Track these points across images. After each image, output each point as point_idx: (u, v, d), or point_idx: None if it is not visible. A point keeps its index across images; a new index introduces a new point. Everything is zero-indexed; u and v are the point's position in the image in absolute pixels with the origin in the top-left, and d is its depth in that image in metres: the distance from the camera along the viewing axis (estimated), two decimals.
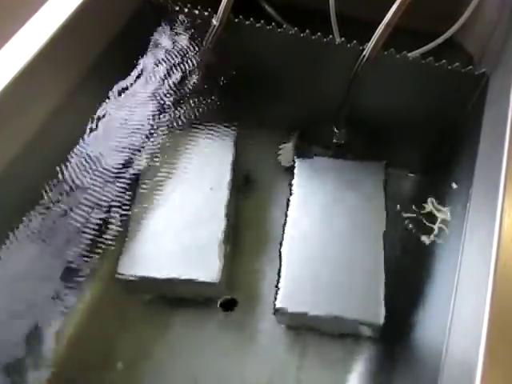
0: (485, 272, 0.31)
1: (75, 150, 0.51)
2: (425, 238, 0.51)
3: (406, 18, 0.45)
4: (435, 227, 0.52)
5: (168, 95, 0.56)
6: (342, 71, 0.50)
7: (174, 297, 0.54)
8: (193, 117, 0.57)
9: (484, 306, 0.30)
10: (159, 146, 0.55)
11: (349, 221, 0.52)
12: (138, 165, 0.54)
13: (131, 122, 0.54)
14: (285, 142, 0.63)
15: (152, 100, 0.56)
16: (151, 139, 0.55)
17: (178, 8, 0.54)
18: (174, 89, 0.57)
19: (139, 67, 0.57)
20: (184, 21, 0.56)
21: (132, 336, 0.52)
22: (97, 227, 0.50)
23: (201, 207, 0.53)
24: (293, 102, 0.59)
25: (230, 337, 0.52)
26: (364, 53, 0.48)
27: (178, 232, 0.52)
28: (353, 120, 0.55)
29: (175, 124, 0.56)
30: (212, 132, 0.58)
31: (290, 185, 0.56)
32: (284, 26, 0.52)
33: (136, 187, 0.54)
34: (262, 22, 0.52)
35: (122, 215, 0.51)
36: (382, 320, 0.46)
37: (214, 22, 0.52)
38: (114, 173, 0.52)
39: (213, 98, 0.58)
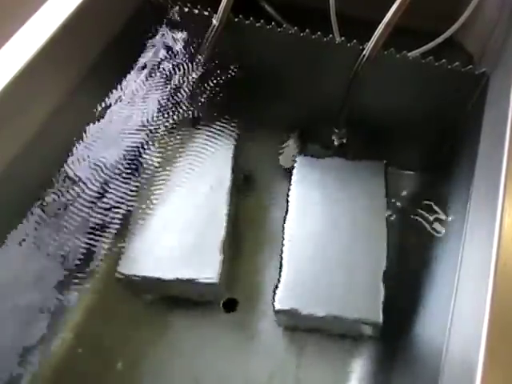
0: (485, 271, 0.31)
1: (75, 150, 0.51)
2: (425, 238, 0.51)
3: (405, 17, 0.45)
4: (435, 227, 0.52)
5: (168, 95, 0.56)
6: (342, 71, 0.50)
7: (174, 297, 0.54)
8: (193, 116, 0.57)
9: (484, 306, 0.30)
10: (159, 145, 0.55)
11: (349, 220, 0.52)
12: (139, 165, 0.54)
13: (131, 122, 0.54)
14: (285, 142, 0.63)
15: (152, 100, 0.56)
16: (151, 139, 0.55)
17: (177, 8, 0.54)
18: (174, 88, 0.57)
19: (139, 67, 0.57)
20: (184, 20, 0.56)
21: (132, 336, 0.52)
22: (97, 227, 0.50)
23: (201, 207, 0.53)
24: (293, 101, 0.59)
25: (231, 337, 0.52)
26: (364, 52, 0.48)
27: (179, 232, 0.52)
28: (353, 120, 0.55)
29: (175, 124, 0.56)
30: (212, 132, 0.58)
31: (290, 185, 0.56)
32: (284, 26, 0.52)
33: (136, 187, 0.54)
34: (262, 21, 0.52)
35: (122, 215, 0.51)
36: (381, 320, 0.46)
37: (214, 21, 0.52)
38: (113, 173, 0.52)
39: (213, 97, 0.58)
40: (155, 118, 0.55)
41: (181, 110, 0.57)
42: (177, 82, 0.57)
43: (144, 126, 0.55)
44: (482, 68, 0.47)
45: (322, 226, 0.52)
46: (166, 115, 0.56)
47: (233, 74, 0.58)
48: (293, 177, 0.56)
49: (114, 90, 0.55)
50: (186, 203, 0.53)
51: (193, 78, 0.57)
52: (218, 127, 0.58)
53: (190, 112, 0.57)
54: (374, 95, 0.52)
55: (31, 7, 0.47)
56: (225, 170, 0.55)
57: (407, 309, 0.47)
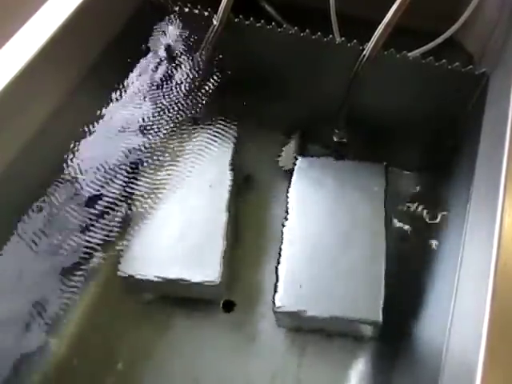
0: (485, 271, 0.31)
1: (75, 150, 0.51)
2: (425, 238, 0.51)
3: (406, 17, 0.45)
4: (436, 227, 0.52)
5: (168, 95, 0.56)
6: (342, 71, 0.50)
7: (174, 297, 0.54)
8: (193, 117, 0.57)
9: (484, 306, 0.30)
10: (159, 145, 0.55)
11: (349, 221, 0.52)
12: (138, 165, 0.54)
13: (131, 122, 0.54)
14: (285, 143, 0.63)
15: (152, 100, 0.56)
16: (151, 139, 0.55)
17: (177, 8, 0.54)
18: (174, 88, 0.57)
19: (139, 67, 0.57)
20: (184, 21, 0.56)
21: (132, 336, 0.52)
22: (97, 227, 0.50)
23: (201, 207, 0.53)
24: (293, 101, 0.59)
25: (231, 337, 0.52)
26: (364, 52, 0.48)
27: (179, 232, 0.52)
28: (353, 120, 0.55)
29: (175, 124, 0.56)
30: (212, 132, 0.58)
31: (290, 185, 0.56)
32: (284, 26, 0.52)
33: (136, 187, 0.54)
34: (262, 21, 0.52)
35: (122, 215, 0.51)
36: (381, 320, 0.46)
37: (214, 21, 0.52)
38: (113, 172, 0.52)
39: (213, 97, 0.58)
40: (155, 118, 0.55)
41: (181, 110, 0.57)
42: (177, 82, 0.57)
43: (144, 126, 0.55)
44: (482, 68, 0.47)
45: (322, 226, 0.52)
46: (166, 115, 0.56)
47: (233, 74, 0.58)
48: (293, 177, 0.56)
49: (114, 90, 0.55)
50: (186, 203, 0.53)
51: (193, 78, 0.57)
52: (218, 127, 0.58)
53: (189, 112, 0.57)
54: (374, 95, 0.52)
55: (31, 7, 0.47)
56: (225, 170, 0.55)
57: (407, 309, 0.47)
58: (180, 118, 0.56)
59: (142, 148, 0.54)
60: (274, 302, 0.48)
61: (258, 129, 0.62)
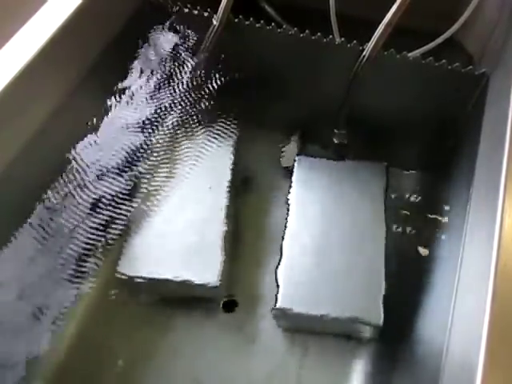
0: (485, 272, 0.31)
1: (75, 150, 0.51)
2: (425, 238, 0.51)
3: (405, 17, 0.45)
4: (435, 227, 0.52)
5: (168, 95, 0.56)
6: (342, 71, 0.50)
7: (174, 297, 0.53)
8: (192, 117, 0.57)
9: (484, 306, 0.30)
10: (159, 145, 0.55)
11: (349, 221, 0.52)
12: (138, 165, 0.54)
13: (131, 122, 0.54)
14: (285, 143, 0.63)
15: (152, 100, 0.56)
16: (151, 139, 0.55)
17: (177, 8, 0.54)
18: (174, 89, 0.57)
19: (139, 67, 0.57)
20: (184, 21, 0.56)
21: (132, 336, 0.52)
22: (96, 227, 0.50)
23: (201, 208, 0.53)
24: (293, 102, 0.59)
25: (231, 337, 0.52)
26: (364, 53, 0.48)
27: (178, 232, 0.52)
28: (353, 120, 0.55)
29: (175, 124, 0.56)
30: (212, 132, 0.58)
31: (290, 185, 0.56)
32: (284, 26, 0.52)
33: (136, 187, 0.54)
34: (262, 22, 0.52)
35: (121, 215, 0.51)
36: (381, 320, 0.46)
37: (214, 22, 0.52)
38: (113, 173, 0.52)
39: (213, 98, 0.58)
40: (155, 119, 0.55)
41: (180, 111, 0.57)
42: (176, 83, 0.57)
43: (144, 126, 0.55)
44: (482, 68, 0.47)
45: (322, 226, 0.52)
46: (165, 116, 0.56)
47: (233, 74, 0.58)
48: (293, 177, 0.56)
49: (113, 91, 0.55)
50: (185, 204, 0.53)
51: (192, 78, 0.57)
52: (218, 128, 0.58)
53: (189, 113, 0.57)
54: (374, 95, 0.52)
55: (31, 8, 0.47)
56: (225, 170, 0.55)
57: (407, 309, 0.47)
58: (180, 119, 0.56)
59: (142, 148, 0.54)
60: (274, 303, 0.48)
61: (258, 129, 0.62)
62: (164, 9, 0.56)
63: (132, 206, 0.52)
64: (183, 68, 0.58)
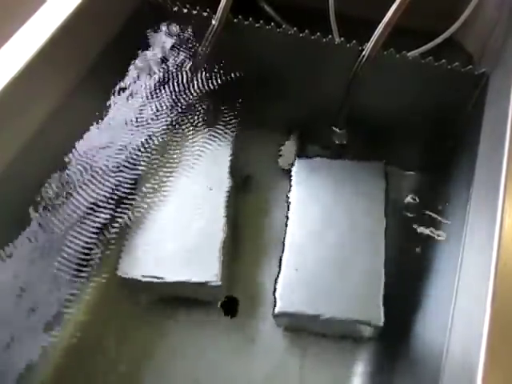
0: (485, 272, 0.31)
1: (74, 151, 0.51)
2: (425, 239, 0.51)
3: (405, 17, 0.45)
4: (435, 228, 0.52)
5: (167, 96, 0.56)
6: (342, 71, 0.50)
7: (174, 298, 0.53)
8: (192, 117, 0.57)
9: (485, 307, 0.30)
10: (159, 146, 0.55)
11: (349, 221, 0.52)
12: (138, 165, 0.54)
13: (130, 123, 0.54)
14: (284, 143, 0.63)
15: (151, 100, 0.56)
16: (151, 139, 0.55)
17: (176, 8, 0.54)
18: (173, 89, 0.57)
19: (138, 68, 0.57)
20: (183, 21, 0.56)
21: (132, 337, 0.52)
22: (97, 227, 0.50)
23: (201, 208, 0.53)
24: (292, 102, 0.59)
25: (232, 338, 0.52)
26: (363, 53, 0.48)
27: (178, 233, 0.52)
28: (352, 120, 0.55)
29: (174, 125, 0.56)
30: (211, 132, 0.58)
31: (290, 185, 0.55)
32: (283, 26, 0.52)
33: (136, 188, 0.54)
34: (261, 22, 0.52)
35: (121, 216, 0.51)
36: (382, 321, 0.46)
37: (213, 22, 0.52)
38: (113, 173, 0.52)
39: (212, 98, 0.58)
40: (154, 119, 0.55)
41: (179, 111, 0.57)
42: (175, 83, 0.57)
43: (143, 126, 0.55)
44: (482, 68, 0.47)
45: (322, 227, 0.52)
46: (164, 116, 0.56)
47: (232, 74, 0.58)
48: (292, 178, 0.56)
49: (113, 91, 0.55)
50: (185, 204, 0.53)
51: (191, 78, 0.57)
52: (218, 128, 0.58)
53: (188, 113, 0.57)
54: (373, 95, 0.52)
55: (30, 8, 0.47)
56: (224, 170, 0.55)
57: (408, 310, 0.47)
58: (179, 119, 0.56)
59: (141, 149, 0.54)
60: (274, 303, 0.48)
61: (257, 129, 0.62)
62: (163, 9, 0.56)
63: (132, 206, 0.52)
64: (182, 68, 0.58)
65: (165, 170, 0.55)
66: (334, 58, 0.51)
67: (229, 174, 0.55)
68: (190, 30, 0.57)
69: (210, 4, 0.52)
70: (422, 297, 0.46)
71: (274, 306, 0.48)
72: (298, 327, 0.51)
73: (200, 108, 0.57)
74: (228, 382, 0.50)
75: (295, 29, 0.51)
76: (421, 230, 0.54)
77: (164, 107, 0.56)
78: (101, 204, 0.50)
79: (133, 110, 0.55)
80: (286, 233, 0.52)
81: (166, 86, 0.57)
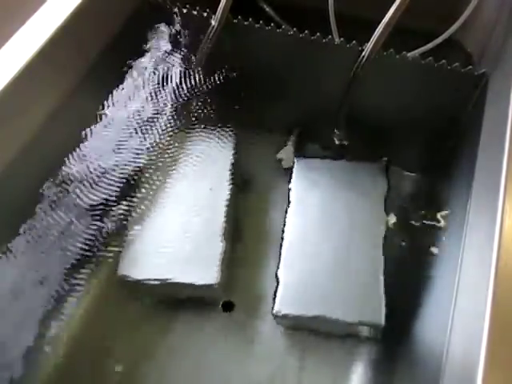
0: (485, 272, 0.31)
1: (74, 151, 0.51)
2: (425, 239, 0.51)
3: (405, 17, 0.45)
4: (435, 228, 0.52)
5: (167, 96, 0.56)
6: (342, 71, 0.50)
7: (173, 298, 0.53)
8: (192, 117, 0.57)
9: (485, 307, 0.30)
10: (159, 146, 0.55)
11: (348, 221, 0.52)
12: (138, 165, 0.54)
13: (130, 123, 0.54)
14: (284, 143, 0.63)
15: (151, 101, 0.56)
16: (151, 140, 0.55)
17: (176, 8, 0.54)
18: (173, 89, 0.57)
19: (138, 68, 0.57)
20: (182, 21, 0.56)
21: (132, 338, 0.52)
22: (97, 228, 0.50)
23: (200, 208, 0.53)
24: (292, 102, 0.59)
25: (231, 339, 0.52)
26: (363, 53, 0.48)
27: (178, 234, 0.52)
28: (352, 120, 0.55)
29: (174, 125, 0.56)
30: (211, 133, 0.58)
31: (290, 186, 0.55)
32: (283, 27, 0.52)
33: (136, 188, 0.54)
34: (261, 22, 0.52)
35: (121, 216, 0.51)
36: (382, 321, 0.46)
37: (213, 22, 0.52)
38: (113, 173, 0.52)
39: (212, 98, 0.58)
40: (154, 119, 0.55)
41: (180, 111, 0.57)
42: (175, 83, 0.57)
43: (143, 126, 0.55)
44: (482, 68, 0.47)
45: (322, 227, 0.52)
46: (165, 116, 0.56)
47: (232, 74, 0.58)
48: (292, 178, 0.56)
49: (112, 91, 0.55)
50: (185, 205, 0.53)
51: (191, 78, 0.57)
52: (217, 128, 0.58)
53: (188, 113, 0.57)
54: (373, 96, 0.52)
55: (30, 8, 0.47)
56: (224, 170, 0.55)
57: (408, 310, 0.47)
58: (179, 119, 0.56)
59: (142, 149, 0.54)
60: (273, 304, 0.48)
61: (257, 129, 0.62)
62: (163, 9, 0.56)
63: (132, 207, 0.52)
64: (182, 68, 0.58)
65: (165, 170, 0.55)
66: (333, 58, 0.51)
67: (229, 174, 0.55)
68: (189, 30, 0.57)
69: (210, 4, 0.52)
70: (423, 297, 0.46)
71: (274, 306, 0.48)
72: (298, 327, 0.51)
73: (200, 108, 0.57)
74: (228, 382, 0.50)
75: (295, 29, 0.51)
76: (421, 230, 0.54)
77: (164, 107, 0.56)
78: (101, 205, 0.50)
79: (133, 110, 0.55)
80: (285, 233, 0.52)
81: (166, 87, 0.57)
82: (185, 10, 0.54)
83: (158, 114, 0.55)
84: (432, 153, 0.58)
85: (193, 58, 0.57)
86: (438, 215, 0.52)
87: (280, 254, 0.51)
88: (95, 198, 0.50)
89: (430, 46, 0.54)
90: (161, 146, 0.55)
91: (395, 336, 0.48)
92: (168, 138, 0.56)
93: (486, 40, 0.55)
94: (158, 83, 0.57)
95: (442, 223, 0.51)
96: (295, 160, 0.58)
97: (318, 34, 0.50)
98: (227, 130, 0.58)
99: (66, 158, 0.50)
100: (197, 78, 0.57)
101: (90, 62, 0.51)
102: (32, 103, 0.45)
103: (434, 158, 0.57)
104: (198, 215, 0.53)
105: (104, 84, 0.55)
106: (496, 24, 0.53)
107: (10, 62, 0.43)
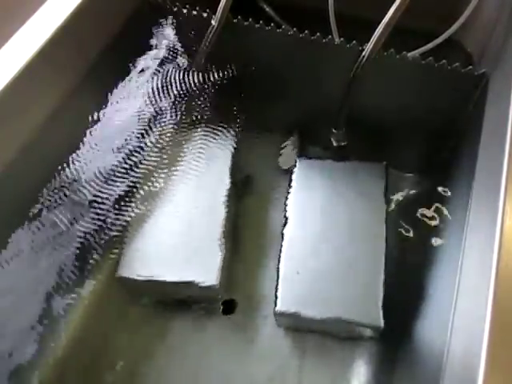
0: (486, 273, 0.31)
1: (74, 151, 0.51)
2: (425, 239, 0.51)
3: (405, 17, 0.45)
4: (436, 228, 0.52)
5: (167, 96, 0.56)
6: (342, 71, 0.50)
7: (173, 298, 0.53)
8: (192, 118, 0.57)
9: (485, 307, 0.30)
10: (159, 146, 0.55)
11: (349, 222, 0.52)
12: (138, 166, 0.54)
13: (130, 123, 0.54)
14: (285, 144, 0.63)
15: (151, 101, 0.56)
16: (151, 140, 0.55)
17: (176, 8, 0.54)
18: (173, 89, 0.57)
19: (138, 68, 0.57)
20: (182, 21, 0.56)
21: (132, 338, 0.52)
22: (96, 228, 0.49)
23: (200, 208, 0.53)
24: (292, 102, 0.59)
25: (231, 339, 0.52)
26: (363, 53, 0.48)
27: (178, 234, 0.52)
28: (353, 120, 0.55)
29: (174, 125, 0.56)
30: (211, 133, 0.58)
31: (290, 186, 0.55)
32: (283, 27, 0.52)
33: (136, 188, 0.53)
34: (261, 22, 0.51)
35: (121, 216, 0.51)
36: (381, 322, 0.46)
37: (213, 22, 0.52)
38: (112, 174, 0.52)
39: (212, 98, 0.58)
40: (154, 119, 0.55)
41: (180, 111, 0.57)
42: (175, 83, 0.57)
43: (143, 127, 0.55)
44: (482, 68, 0.47)
45: (322, 227, 0.52)
46: (165, 116, 0.56)
47: (232, 74, 0.58)
48: (292, 178, 0.56)
49: (113, 91, 0.55)
50: (185, 205, 0.53)
51: (191, 78, 0.57)
52: (218, 128, 0.58)
53: (188, 113, 0.57)
54: (373, 96, 0.52)
55: (30, 8, 0.47)
56: (224, 171, 0.55)
57: (408, 310, 0.47)
58: (179, 119, 0.56)
59: (142, 149, 0.54)
60: (274, 304, 0.48)
61: (257, 129, 0.62)
62: (163, 9, 0.56)
63: (131, 207, 0.52)
64: (182, 68, 0.58)
65: (165, 170, 0.55)
66: (333, 58, 0.51)
67: (229, 174, 0.55)
68: (189, 30, 0.57)
69: (210, 4, 0.52)
70: (423, 297, 0.46)
71: (275, 306, 0.48)
72: (298, 327, 0.51)
73: (200, 108, 0.57)
74: (228, 382, 0.50)
75: (295, 29, 0.51)
76: (421, 230, 0.54)
77: (164, 107, 0.56)
78: (100, 205, 0.50)
79: (133, 110, 0.55)
80: (285, 233, 0.52)
81: (166, 87, 0.56)
82: (185, 10, 0.54)
83: (157, 114, 0.55)
84: (432, 153, 0.58)
85: (193, 57, 0.57)
86: (439, 215, 0.52)
87: (280, 254, 0.51)
88: (95, 197, 0.50)
89: (430, 46, 0.54)
90: (161, 146, 0.55)
91: (395, 336, 0.48)
92: (168, 138, 0.56)
93: (486, 40, 0.55)
94: (158, 83, 0.57)
95: (443, 223, 0.51)
96: (297, 160, 0.57)
97: (318, 34, 0.50)
98: (227, 129, 0.58)
99: (65, 158, 0.50)
100: (197, 78, 0.57)
101: (90, 61, 0.51)
102: (32, 103, 0.45)
103: (435, 158, 0.57)
104: (198, 215, 0.53)
105: (104, 84, 0.54)
106: (496, 24, 0.53)
107: (10, 61, 0.43)
